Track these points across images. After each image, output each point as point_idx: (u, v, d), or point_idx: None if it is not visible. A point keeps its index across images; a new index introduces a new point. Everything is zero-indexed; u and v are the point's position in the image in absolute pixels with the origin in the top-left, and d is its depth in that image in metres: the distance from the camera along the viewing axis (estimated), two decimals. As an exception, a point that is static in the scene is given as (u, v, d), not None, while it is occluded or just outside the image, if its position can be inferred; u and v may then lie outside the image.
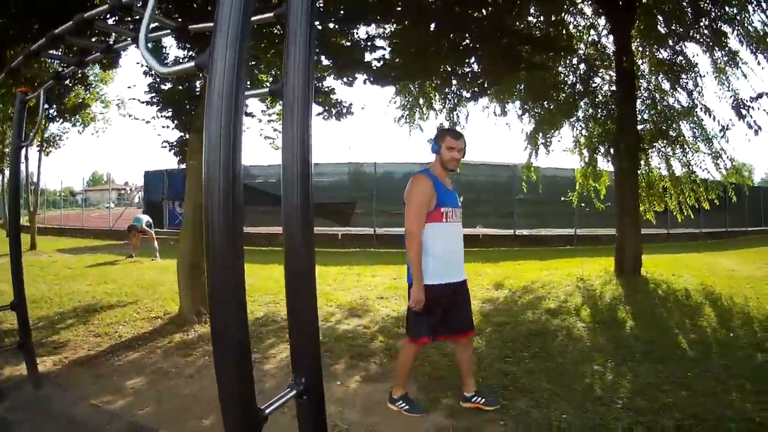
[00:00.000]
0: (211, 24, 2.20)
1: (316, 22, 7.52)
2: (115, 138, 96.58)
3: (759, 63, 9.56)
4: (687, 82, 10.56)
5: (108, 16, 3.48)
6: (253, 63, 7.80)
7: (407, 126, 12.80)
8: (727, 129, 10.01)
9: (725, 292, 9.32)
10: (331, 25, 8.22)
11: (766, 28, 9.37)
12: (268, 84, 7.95)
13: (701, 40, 10.06)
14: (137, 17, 3.22)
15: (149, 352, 6.28)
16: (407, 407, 4.50)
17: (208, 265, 1.91)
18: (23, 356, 5.16)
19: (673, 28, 10.19)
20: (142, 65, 8.05)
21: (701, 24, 9.91)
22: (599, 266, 12.00)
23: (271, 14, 2.46)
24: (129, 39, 3.63)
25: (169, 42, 8.42)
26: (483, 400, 4.56)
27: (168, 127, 8.61)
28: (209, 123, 1.90)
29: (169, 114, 8.32)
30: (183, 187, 8.47)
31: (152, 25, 2.56)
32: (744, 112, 9.31)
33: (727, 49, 9.91)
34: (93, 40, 5.10)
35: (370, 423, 4.33)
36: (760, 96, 9.14)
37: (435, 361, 5.74)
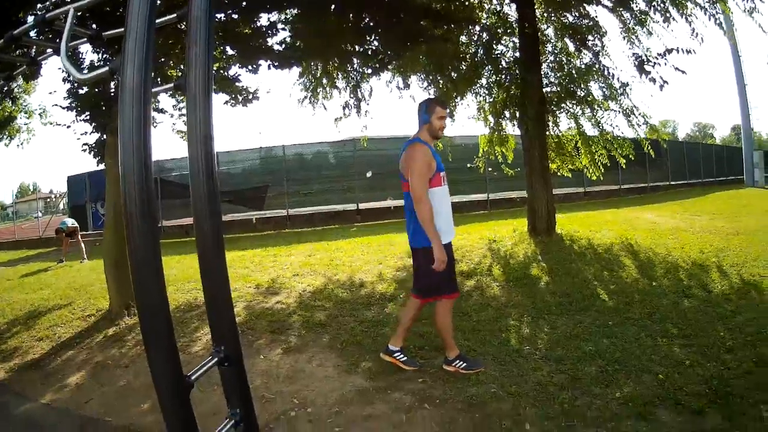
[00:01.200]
0: (122, 29, 2.48)
1: (219, 15, 7.74)
2: (39, 147, 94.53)
3: (668, 19, 9.54)
4: (594, 44, 10.68)
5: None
6: (162, 60, 7.94)
7: (311, 106, 12.66)
8: (626, 86, 10.29)
9: (646, 244, 9.57)
10: (235, 16, 8.34)
11: None
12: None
13: (606, 3, 10.17)
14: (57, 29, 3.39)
15: (87, 349, 6.46)
16: (464, 365, 4.68)
17: (130, 253, 2.18)
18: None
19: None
20: (62, 71, 8.16)
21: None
22: (512, 228, 12.17)
23: (174, 15, 2.71)
24: (51, 50, 3.80)
25: (84, 48, 8.51)
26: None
27: (86, 132, 8.68)
28: (123, 120, 2.17)
29: (87, 117, 8.38)
30: (104, 188, 8.56)
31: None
32: (648, 68, 9.59)
33: (636, 8, 9.98)
34: (17, 53, 5.18)
35: (293, 390, 4.57)
36: (669, 51, 9.44)
37: (352, 328, 6.03)
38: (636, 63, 9.86)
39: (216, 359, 2.55)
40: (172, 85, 2.71)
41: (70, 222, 16.51)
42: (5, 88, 5.09)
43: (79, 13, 2.73)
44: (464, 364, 4.65)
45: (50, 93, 19.81)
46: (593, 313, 5.94)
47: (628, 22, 10.15)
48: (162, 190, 20.86)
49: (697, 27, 9.27)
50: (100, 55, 7.93)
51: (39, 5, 7.22)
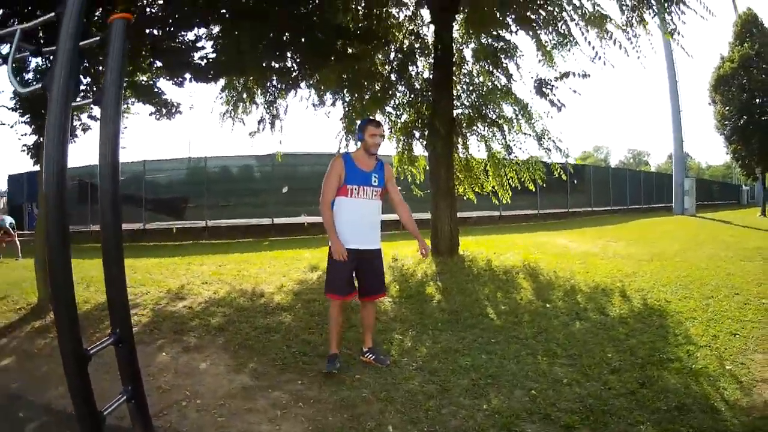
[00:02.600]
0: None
1: (150, 30, 7.99)
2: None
3: (589, 43, 9.65)
4: (505, 66, 10.84)
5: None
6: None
7: (230, 120, 12.83)
8: (526, 107, 10.59)
9: (550, 268, 9.61)
10: (159, 32, 8.65)
11: (596, 7, 9.41)
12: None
13: (530, 24, 10.07)
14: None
15: (17, 338, 6.75)
16: (329, 365, 5.10)
17: (47, 240, 2.66)
18: None
19: (498, 16, 10.07)
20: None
21: (530, 9, 9.90)
22: (416, 248, 11.85)
23: (98, 38, 3.13)
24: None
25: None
26: (374, 357, 5.34)
27: (26, 134, 9.01)
28: (48, 128, 2.68)
29: (28, 120, 8.77)
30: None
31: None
32: (546, 90, 10.04)
33: (559, 30, 10.00)
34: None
35: (187, 384, 4.94)
36: (566, 75, 9.91)
37: (246, 333, 6.38)
38: (535, 85, 10.27)
39: (112, 339, 3.03)
40: (91, 99, 3.13)
41: (9, 221, 16.52)
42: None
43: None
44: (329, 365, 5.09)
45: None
46: (478, 330, 6.25)
47: (547, 44, 10.30)
48: (92, 195, 21.03)
49: (604, 51, 9.67)
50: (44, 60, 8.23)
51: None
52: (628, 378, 4.70)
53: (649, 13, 9.31)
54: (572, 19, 9.64)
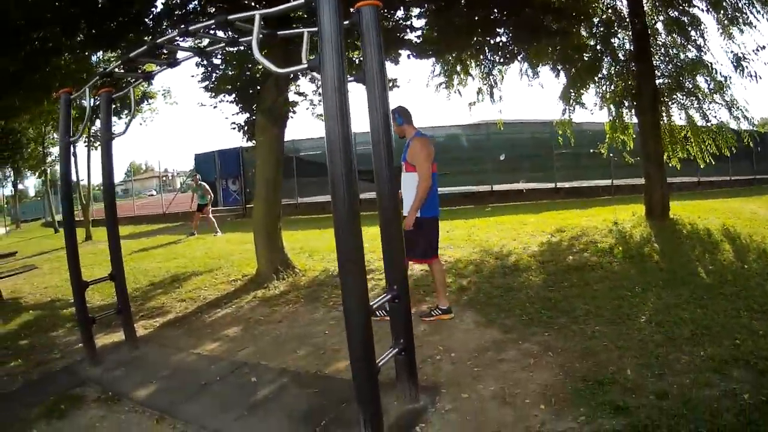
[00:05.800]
0: (294, 30, 3.12)
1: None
2: (153, 127, 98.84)
3: (764, 16, 9.90)
4: (696, 39, 10.97)
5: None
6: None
7: (447, 92, 13.31)
8: (728, 79, 10.62)
9: (745, 232, 9.82)
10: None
11: None
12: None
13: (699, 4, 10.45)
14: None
15: (237, 308, 7.26)
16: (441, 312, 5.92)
17: (334, 211, 3.02)
18: (121, 321, 5.92)
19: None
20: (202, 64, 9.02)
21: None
22: (631, 211, 12.58)
23: (347, 22, 3.31)
24: (223, 44, 4.52)
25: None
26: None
27: (236, 113, 9.43)
28: (326, 106, 2.93)
29: (233, 98, 9.16)
30: (234, 166, 9.00)
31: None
32: (744, 64, 9.95)
33: (728, 7, 10.28)
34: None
35: (438, 340, 5.34)
36: (762, 48, 9.81)
37: (489, 292, 6.79)
38: (733, 60, 10.20)
39: (390, 295, 3.35)
40: (353, 78, 3.38)
41: (209, 197, 17.05)
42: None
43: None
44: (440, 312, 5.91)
45: (192, 76, 21.08)
46: (692, 287, 6.42)
47: (722, 20, 10.43)
48: (297, 169, 21.71)
49: None
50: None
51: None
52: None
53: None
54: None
